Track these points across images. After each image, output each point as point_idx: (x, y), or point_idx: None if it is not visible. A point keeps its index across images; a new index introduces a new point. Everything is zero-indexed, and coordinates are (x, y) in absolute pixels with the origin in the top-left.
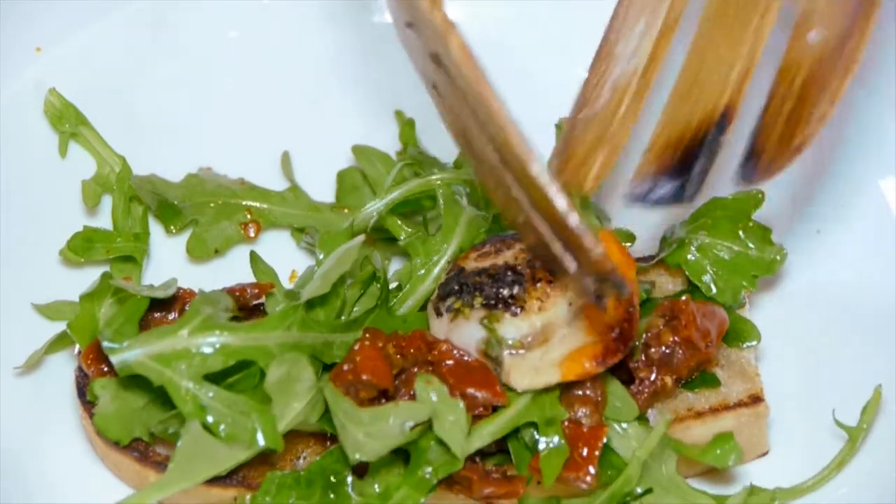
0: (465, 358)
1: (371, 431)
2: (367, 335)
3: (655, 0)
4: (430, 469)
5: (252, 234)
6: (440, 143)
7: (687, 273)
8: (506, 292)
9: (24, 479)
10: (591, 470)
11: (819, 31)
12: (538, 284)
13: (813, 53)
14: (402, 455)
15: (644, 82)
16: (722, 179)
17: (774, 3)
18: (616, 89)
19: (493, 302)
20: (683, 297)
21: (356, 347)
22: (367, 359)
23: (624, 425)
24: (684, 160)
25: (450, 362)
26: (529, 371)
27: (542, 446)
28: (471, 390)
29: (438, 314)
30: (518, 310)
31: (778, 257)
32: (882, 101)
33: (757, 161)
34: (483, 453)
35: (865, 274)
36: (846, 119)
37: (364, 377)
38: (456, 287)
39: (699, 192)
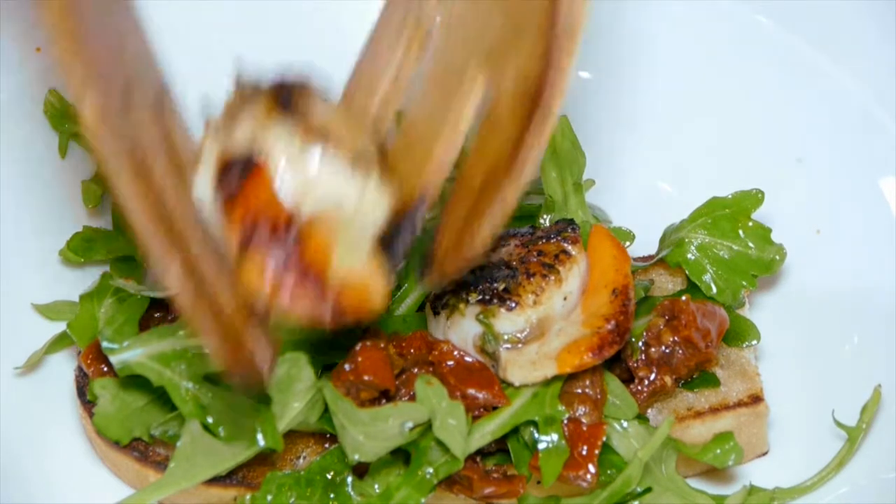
0: (467, 358)
1: (370, 432)
2: (369, 335)
3: (389, 51)
4: (430, 469)
5: None
6: None
7: (687, 272)
8: (501, 287)
9: (24, 479)
10: (591, 469)
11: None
12: (533, 278)
13: (488, 159)
14: (403, 455)
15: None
16: (720, 178)
17: (472, 97)
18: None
19: (488, 297)
20: (683, 297)
21: (358, 348)
22: (368, 359)
23: (624, 424)
24: (388, 231)
25: (451, 363)
26: (526, 365)
27: (542, 445)
28: (471, 391)
29: (435, 312)
30: (514, 304)
31: (777, 257)
32: (882, 101)
33: (431, 262)
34: (483, 453)
35: (865, 274)
36: (846, 119)
37: (366, 378)
38: (451, 284)
39: (398, 270)
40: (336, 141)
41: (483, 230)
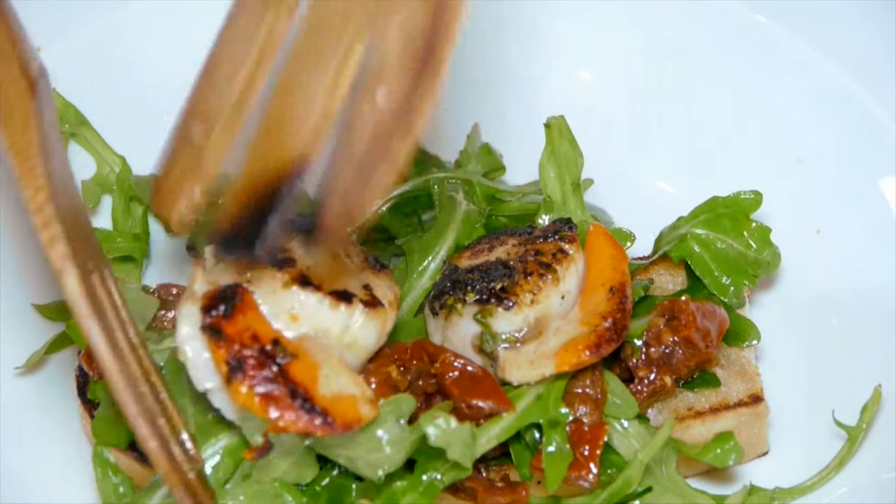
0: (469, 368)
1: (375, 444)
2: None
3: (254, 25)
4: (436, 475)
5: None
6: (440, 143)
7: (691, 266)
8: (498, 286)
9: (24, 479)
10: (593, 469)
11: (384, 90)
12: (530, 277)
13: (377, 114)
14: (408, 462)
15: (236, 113)
16: (720, 178)
17: (353, 56)
18: (208, 118)
19: (485, 297)
20: (683, 297)
21: None
22: None
23: (624, 423)
24: (260, 210)
25: (454, 374)
26: (524, 364)
27: (550, 449)
28: (475, 402)
29: (434, 313)
30: (511, 303)
31: (771, 260)
32: (882, 101)
33: (319, 224)
34: (486, 458)
35: (865, 274)
36: (846, 119)
37: None
38: (449, 285)
39: (273, 251)
40: (319, 281)
41: (372, 190)
